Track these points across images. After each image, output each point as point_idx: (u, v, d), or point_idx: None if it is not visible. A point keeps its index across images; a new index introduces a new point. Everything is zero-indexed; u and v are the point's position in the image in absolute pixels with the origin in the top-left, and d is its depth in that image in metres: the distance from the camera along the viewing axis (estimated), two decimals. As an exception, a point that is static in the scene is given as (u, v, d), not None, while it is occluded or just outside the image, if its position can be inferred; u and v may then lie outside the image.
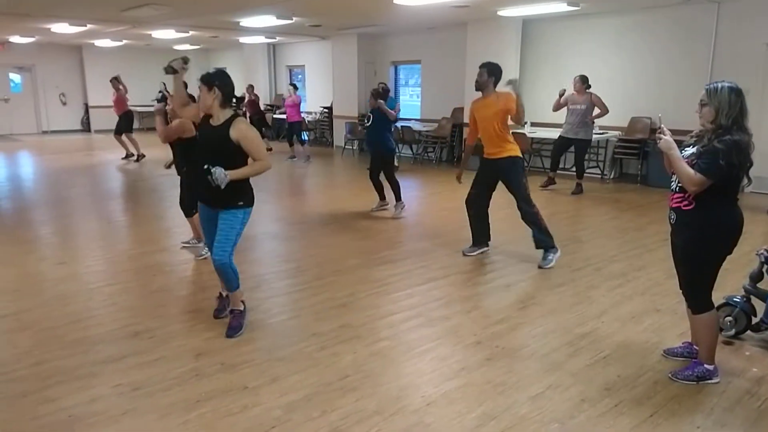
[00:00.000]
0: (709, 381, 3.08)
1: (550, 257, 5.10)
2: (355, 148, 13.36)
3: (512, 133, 5.30)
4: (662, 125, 2.96)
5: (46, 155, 13.03)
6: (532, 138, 9.93)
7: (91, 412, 2.83)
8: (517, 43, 10.43)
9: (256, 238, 5.99)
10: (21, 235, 6.23)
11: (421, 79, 12.94)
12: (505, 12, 9.38)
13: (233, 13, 9.99)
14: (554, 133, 8.88)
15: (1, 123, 16.77)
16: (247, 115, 12.58)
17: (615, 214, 7.35)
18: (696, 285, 3.06)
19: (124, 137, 11.90)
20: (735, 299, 3.60)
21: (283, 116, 12.86)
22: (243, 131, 3.49)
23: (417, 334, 3.77)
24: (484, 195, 5.29)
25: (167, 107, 4.92)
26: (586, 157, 8.88)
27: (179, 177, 5.38)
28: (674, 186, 2.98)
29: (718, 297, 3.27)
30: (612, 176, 9.75)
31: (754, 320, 3.59)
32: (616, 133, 9.46)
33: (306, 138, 13.01)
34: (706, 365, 3.10)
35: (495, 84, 5.06)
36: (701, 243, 2.93)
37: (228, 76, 3.59)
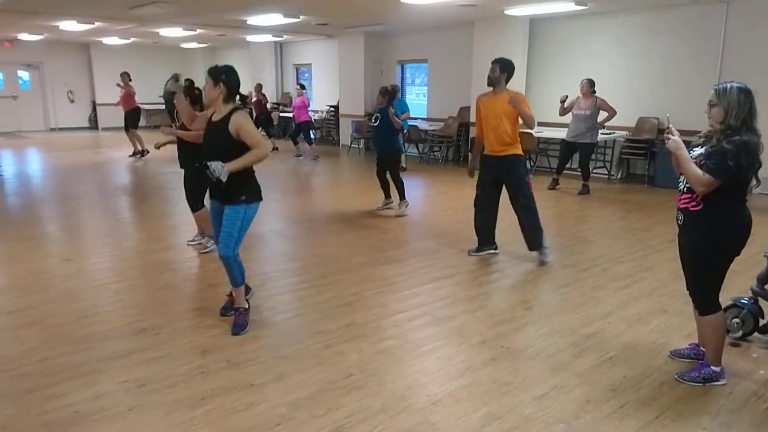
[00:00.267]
0: (716, 383, 3.07)
1: (545, 250, 5.18)
2: (361, 146, 13.35)
3: (519, 132, 5.27)
4: (670, 125, 2.95)
5: (53, 152, 13.09)
6: (539, 138, 9.89)
7: (97, 408, 2.85)
8: (524, 42, 10.40)
9: (261, 236, 6.00)
10: (28, 232, 6.26)
11: (428, 78, 12.93)
12: (512, 11, 9.34)
13: (240, 11, 10.00)
14: (561, 133, 8.84)
15: (10, 120, 16.87)
16: (254, 114, 12.58)
17: (622, 214, 7.32)
18: (703, 286, 3.04)
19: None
20: (742, 301, 3.59)
21: (290, 114, 12.85)
22: (239, 122, 3.50)
23: (422, 333, 3.77)
24: (491, 194, 5.26)
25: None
26: (593, 157, 8.86)
27: (184, 172, 5.40)
28: (682, 186, 2.97)
29: (725, 298, 3.26)
30: (619, 177, 9.70)
31: (762, 322, 3.58)
32: (624, 133, 9.41)
33: (312, 137, 13.01)
34: (712, 367, 3.08)
35: (507, 80, 5.01)
36: (709, 244, 2.91)
37: (235, 73, 3.60)
